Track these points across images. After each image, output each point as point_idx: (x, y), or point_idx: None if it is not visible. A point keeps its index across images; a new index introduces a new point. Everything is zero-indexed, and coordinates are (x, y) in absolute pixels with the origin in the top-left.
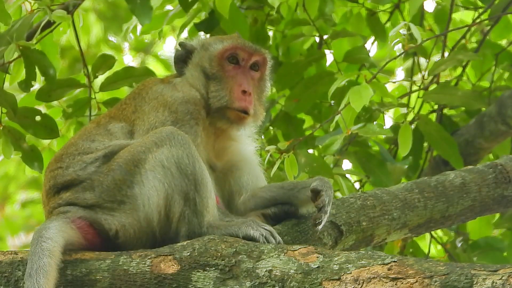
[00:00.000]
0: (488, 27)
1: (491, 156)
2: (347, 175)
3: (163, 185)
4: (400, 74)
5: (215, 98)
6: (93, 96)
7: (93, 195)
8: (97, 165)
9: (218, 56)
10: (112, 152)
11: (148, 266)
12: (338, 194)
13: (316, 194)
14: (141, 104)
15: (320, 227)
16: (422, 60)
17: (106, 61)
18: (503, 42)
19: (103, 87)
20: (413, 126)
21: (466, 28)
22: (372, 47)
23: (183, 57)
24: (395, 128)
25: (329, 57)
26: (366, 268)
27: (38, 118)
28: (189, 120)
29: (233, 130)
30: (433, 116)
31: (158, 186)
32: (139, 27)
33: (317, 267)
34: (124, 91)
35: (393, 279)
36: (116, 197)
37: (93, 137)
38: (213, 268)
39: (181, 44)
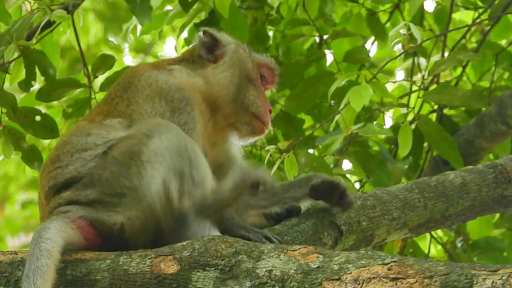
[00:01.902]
0: (488, 27)
1: (491, 156)
2: (347, 175)
3: (158, 172)
4: (400, 74)
5: (253, 103)
6: (93, 96)
7: (94, 191)
8: (97, 161)
9: (260, 65)
10: (111, 147)
11: (148, 266)
12: None
13: (321, 188)
14: (134, 96)
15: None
16: (422, 60)
17: (106, 61)
18: (503, 42)
19: (103, 87)
20: (413, 126)
21: (466, 28)
22: (372, 47)
23: (209, 45)
24: (395, 128)
25: (329, 57)
26: (366, 268)
27: (38, 118)
28: (186, 106)
29: (245, 138)
30: (433, 116)
31: (155, 174)
32: (139, 27)
33: (317, 267)
34: None
35: (393, 279)
36: (115, 190)
37: (88, 131)
38: (213, 268)
39: (206, 32)
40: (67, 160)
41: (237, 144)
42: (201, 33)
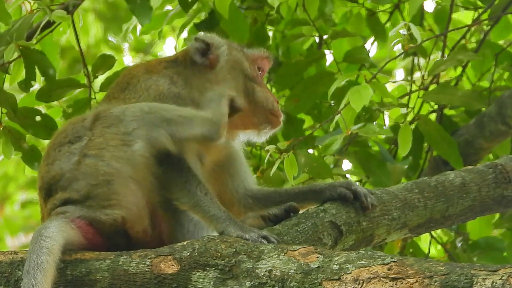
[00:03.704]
0: (488, 27)
1: (491, 156)
2: (347, 175)
3: (137, 143)
4: (400, 73)
5: (264, 101)
6: (93, 96)
7: (81, 184)
8: (78, 157)
9: (254, 60)
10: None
11: (148, 266)
12: None
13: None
14: (130, 98)
15: (370, 205)
16: (422, 60)
17: (106, 61)
18: (503, 42)
19: (103, 87)
20: (413, 126)
21: (466, 28)
22: (372, 47)
23: (202, 50)
24: (395, 128)
25: (329, 57)
26: (366, 268)
27: (38, 118)
28: None
29: (264, 134)
30: (433, 116)
31: (134, 146)
32: (138, 27)
33: (317, 267)
34: None
35: (393, 279)
36: (99, 178)
37: (84, 117)
38: (213, 268)
39: (197, 39)
40: (54, 155)
41: (239, 141)
42: (193, 41)
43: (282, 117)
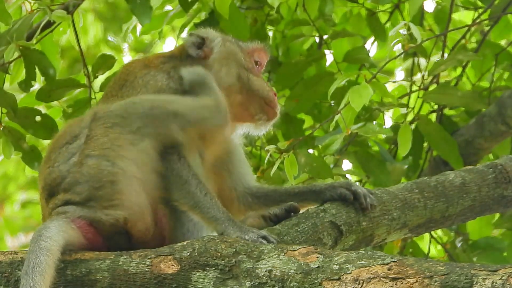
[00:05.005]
0: (488, 27)
1: (491, 156)
2: (347, 175)
3: (143, 141)
4: (400, 74)
5: (260, 89)
6: (93, 96)
7: (83, 187)
8: (79, 155)
9: (251, 53)
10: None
11: (148, 266)
12: None
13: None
14: (128, 94)
15: (369, 206)
16: (422, 60)
17: (106, 61)
18: (503, 42)
19: (103, 87)
20: (413, 126)
21: (466, 28)
22: (372, 47)
23: (198, 44)
24: (395, 128)
25: (329, 57)
26: (366, 268)
27: (38, 118)
28: None
29: (261, 127)
30: (433, 116)
31: (140, 145)
32: (138, 27)
33: (317, 267)
34: None
35: (393, 279)
36: (102, 179)
37: (82, 117)
38: (213, 268)
39: (192, 34)
40: (54, 157)
41: (238, 137)
42: (188, 36)
43: (278, 109)
